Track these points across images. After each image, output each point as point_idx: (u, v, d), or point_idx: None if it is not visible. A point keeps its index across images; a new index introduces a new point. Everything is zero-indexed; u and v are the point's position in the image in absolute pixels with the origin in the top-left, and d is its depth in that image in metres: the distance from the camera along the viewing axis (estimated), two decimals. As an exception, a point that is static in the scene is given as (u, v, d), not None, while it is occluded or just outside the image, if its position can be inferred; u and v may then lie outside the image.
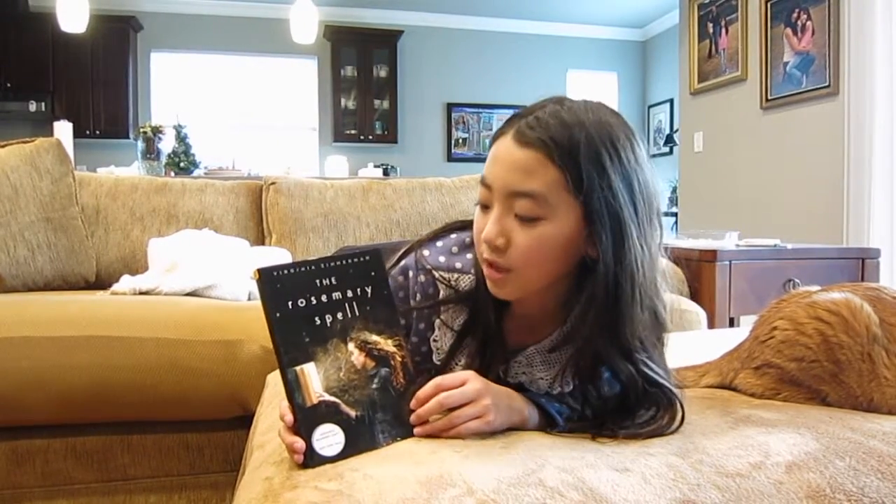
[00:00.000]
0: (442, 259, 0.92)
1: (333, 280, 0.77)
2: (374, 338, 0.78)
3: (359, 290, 0.79)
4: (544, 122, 0.76)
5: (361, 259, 0.80)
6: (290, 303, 0.74)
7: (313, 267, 0.77)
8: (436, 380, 0.78)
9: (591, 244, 0.77)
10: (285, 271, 0.75)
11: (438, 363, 0.93)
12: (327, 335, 0.75)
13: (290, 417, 0.72)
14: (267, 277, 0.73)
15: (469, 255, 0.91)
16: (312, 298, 0.75)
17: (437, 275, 0.91)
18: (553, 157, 0.74)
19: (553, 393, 0.90)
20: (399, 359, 0.79)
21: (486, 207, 0.81)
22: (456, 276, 0.91)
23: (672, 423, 0.79)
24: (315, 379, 0.73)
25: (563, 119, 0.75)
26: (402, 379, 0.79)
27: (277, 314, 0.73)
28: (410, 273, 0.93)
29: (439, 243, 0.94)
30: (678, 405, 0.80)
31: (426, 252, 0.93)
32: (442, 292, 0.92)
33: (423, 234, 0.97)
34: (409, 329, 0.93)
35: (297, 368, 0.73)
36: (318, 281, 0.76)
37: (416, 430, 0.77)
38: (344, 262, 0.79)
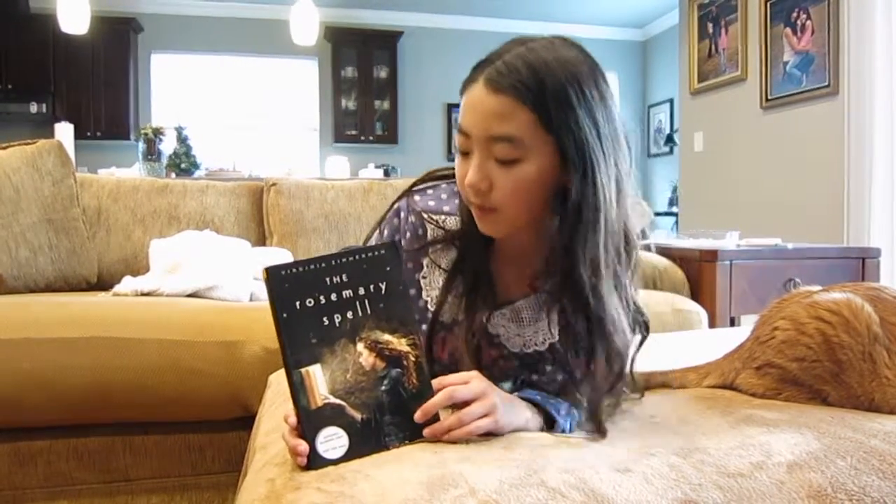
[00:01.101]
0: (431, 203, 0.97)
1: (345, 277, 0.75)
2: (387, 337, 0.76)
3: (372, 286, 0.76)
4: (513, 67, 0.78)
5: (377, 253, 0.78)
6: (297, 303, 0.73)
7: (324, 264, 0.75)
8: (438, 379, 0.78)
9: (567, 175, 0.81)
10: (294, 270, 0.73)
11: (427, 300, 0.96)
12: (336, 335, 0.74)
13: (293, 419, 0.73)
14: (275, 276, 0.72)
15: (457, 201, 0.94)
16: (322, 298, 0.74)
17: (426, 216, 0.96)
18: (525, 101, 0.77)
19: (528, 351, 0.94)
20: (413, 359, 0.77)
21: (465, 154, 0.84)
22: (444, 217, 0.95)
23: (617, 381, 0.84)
24: (321, 381, 0.72)
25: (530, 62, 0.78)
26: (416, 380, 0.77)
27: (284, 314, 0.72)
28: (402, 214, 0.98)
29: (430, 191, 0.99)
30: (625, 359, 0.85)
31: (417, 198, 0.98)
32: (430, 233, 0.95)
33: (415, 180, 1.02)
34: (413, 269, 0.97)
35: (303, 370, 0.72)
36: (328, 279, 0.75)
37: (424, 431, 0.76)
38: (358, 257, 0.77)
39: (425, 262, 0.97)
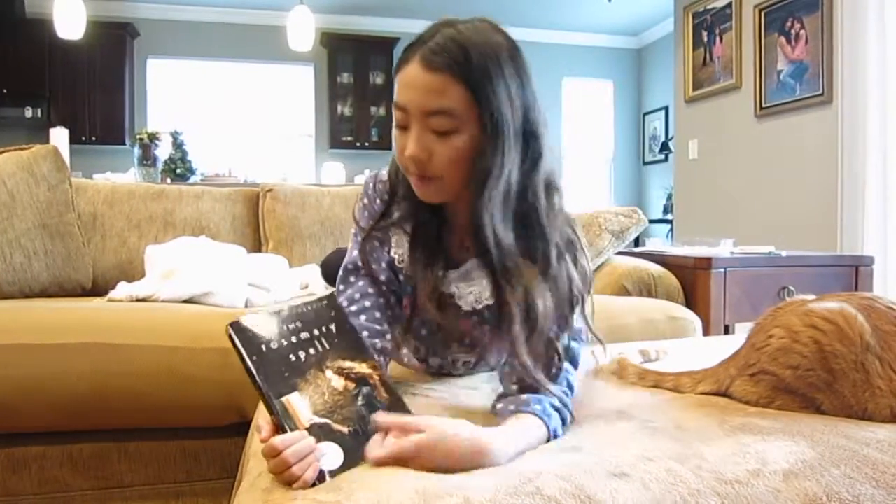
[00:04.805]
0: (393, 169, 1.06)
1: (299, 323, 0.82)
2: (349, 364, 0.83)
3: (324, 328, 0.85)
4: (446, 47, 0.87)
5: (320, 304, 0.87)
6: (263, 346, 0.77)
7: (276, 315, 0.82)
8: (399, 424, 0.76)
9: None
10: (253, 321, 0.79)
11: (395, 257, 1.06)
12: (305, 368, 0.79)
13: (265, 433, 0.73)
14: (237, 328, 0.77)
15: None
16: (283, 341, 0.79)
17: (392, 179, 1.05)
18: (457, 76, 0.86)
19: (478, 307, 1.04)
20: (377, 377, 0.84)
21: (403, 128, 0.92)
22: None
23: None
24: (302, 406, 0.76)
25: (460, 42, 0.87)
26: (385, 394, 0.83)
27: (254, 357, 0.76)
28: (370, 186, 1.09)
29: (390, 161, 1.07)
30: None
31: (383, 171, 1.09)
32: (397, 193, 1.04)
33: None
34: (382, 242, 1.06)
35: (283, 399, 0.75)
36: (284, 326, 0.81)
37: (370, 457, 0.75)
38: (303, 308, 0.85)
39: (394, 239, 1.06)
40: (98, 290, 2.11)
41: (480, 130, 0.88)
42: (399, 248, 1.06)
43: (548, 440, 0.84)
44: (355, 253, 1.06)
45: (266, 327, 0.79)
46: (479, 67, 0.86)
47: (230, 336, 0.77)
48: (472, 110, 0.87)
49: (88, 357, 1.43)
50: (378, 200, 1.07)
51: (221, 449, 1.56)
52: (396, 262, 1.06)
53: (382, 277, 1.06)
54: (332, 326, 0.85)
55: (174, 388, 1.46)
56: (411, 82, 0.88)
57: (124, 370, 1.44)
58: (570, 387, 0.93)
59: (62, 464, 1.49)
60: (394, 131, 0.95)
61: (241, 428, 1.28)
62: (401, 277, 1.07)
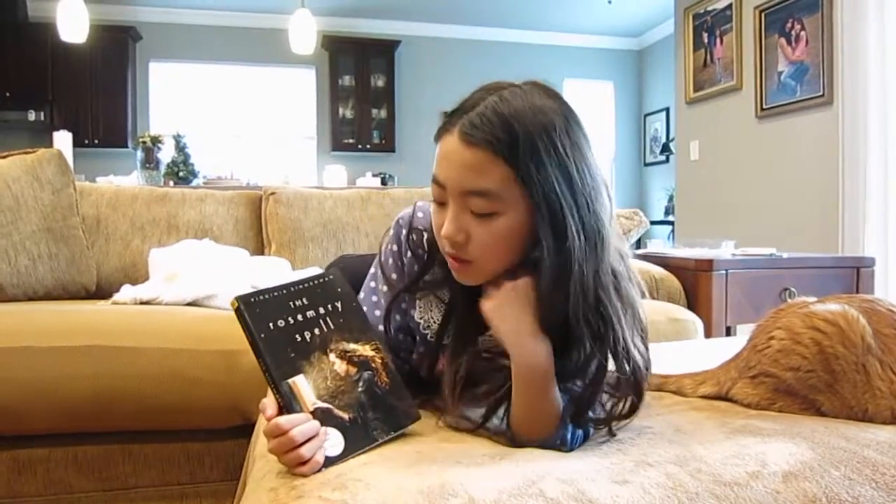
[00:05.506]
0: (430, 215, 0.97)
1: (305, 300, 0.83)
2: (352, 346, 0.84)
3: (329, 306, 0.85)
4: (486, 119, 0.77)
5: (326, 279, 0.87)
6: (270, 324, 0.78)
7: (284, 291, 0.82)
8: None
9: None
10: (261, 297, 0.79)
11: (420, 322, 0.99)
12: (309, 349, 0.80)
13: (272, 411, 0.74)
14: (247, 303, 0.77)
15: None
16: (290, 318, 0.80)
17: (426, 236, 0.96)
18: (499, 154, 0.77)
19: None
20: (379, 361, 0.85)
21: (441, 204, 0.84)
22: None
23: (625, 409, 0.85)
24: (306, 389, 0.77)
25: (502, 114, 0.78)
26: (386, 378, 0.85)
27: (262, 335, 0.76)
28: (402, 232, 0.99)
29: (430, 207, 0.97)
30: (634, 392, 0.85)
31: (420, 214, 0.99)
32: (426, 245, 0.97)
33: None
34: (406, 303, 0.99)
35: (289, 381, 0.76)
36: (291, 303, 0.81)
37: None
38: (311, 283, 0.85)
39: (419, 303, 1.00)
40: (102, 292, 2.13)
41: (529, 216, 0.79)
42: (426, 314, 0.99)
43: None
44: (364, 309, 0.98)
45: (274, 303, 0.80)
46: (525, 144, 0.76)
47: (239, 311, 0.76)
48: (517, 192, 0.78)
49: (92, 360, 1.44)
50: (409, 253, 0.98)
51: (225, 451, 1.56)
52: (422, 328, 0.99)
53: (393, 336, 1.00)
54: (338, 304, 0.85)
55: (178, 391, 1.46)
56: (449, 156, 0.80)
57: (128, 373, 1.45)
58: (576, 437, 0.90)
59: (67, 466, 1.49)
60: (432, 205, 0.87)
61: (245, 430, 1.28)
62: (417, 337, 1.01)
